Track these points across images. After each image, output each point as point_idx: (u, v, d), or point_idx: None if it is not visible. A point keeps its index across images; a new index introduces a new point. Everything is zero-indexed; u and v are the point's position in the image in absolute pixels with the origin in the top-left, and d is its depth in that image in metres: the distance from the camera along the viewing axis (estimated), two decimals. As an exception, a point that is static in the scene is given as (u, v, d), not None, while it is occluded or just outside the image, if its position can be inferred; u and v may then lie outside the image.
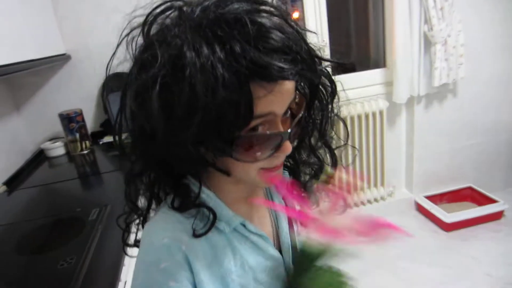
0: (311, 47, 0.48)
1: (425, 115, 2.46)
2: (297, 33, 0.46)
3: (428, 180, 2.61)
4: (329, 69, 0.57)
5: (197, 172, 0.56)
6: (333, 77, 0.57)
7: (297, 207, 0.56)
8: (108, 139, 1.99)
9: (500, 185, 2.66)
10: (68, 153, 1.92)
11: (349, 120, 2.35)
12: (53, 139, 2.00)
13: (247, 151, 0.47)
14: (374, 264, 2.17)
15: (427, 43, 2.22)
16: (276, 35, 0.43)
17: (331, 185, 0.51)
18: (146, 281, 0.50)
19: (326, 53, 2.28)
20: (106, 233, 1.08)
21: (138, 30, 0.48)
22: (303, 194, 0.64)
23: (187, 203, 0.54)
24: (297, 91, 0.52)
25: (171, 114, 0.43)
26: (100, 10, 1.89)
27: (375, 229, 0.36)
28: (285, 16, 0.46)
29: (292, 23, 0.46)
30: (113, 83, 1.73)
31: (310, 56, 0.47)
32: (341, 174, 0.61)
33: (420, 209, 2.59)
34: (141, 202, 0.61)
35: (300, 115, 0.52)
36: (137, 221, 0.61)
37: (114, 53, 0.51)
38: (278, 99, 0.45)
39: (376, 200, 2.60)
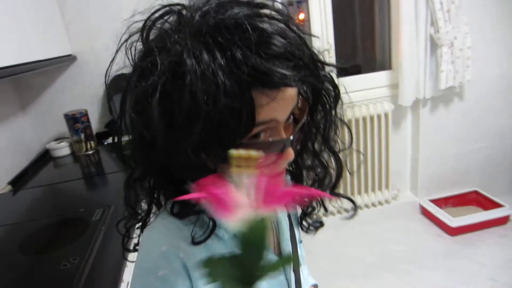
0: (313, 52, 0.47)
1: (431, 118, 2.44)
2: (299, 38, 0.45)
3: (433, 183, 2.59)
4: (333, 72, 0.56)
5: (198, 178, 0.55)
6: (336, 81, 0.56)
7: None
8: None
9: (506, 189, 2.63)
10: (73, 153, 1.93)
11: (354, 123, 2.34)
12: (58, 139, 2.01)
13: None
14: (377, 267, 2.16)
15: (433, 45, 2.20)
16: (278, 40, 0.42)
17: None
18: None
19: (331, 55, 2.27)
20: (109, 234, 1.08)
21: (137, 36, 0.47)
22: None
23: (186, 210, 0.53)
24: (300, 96, 0.51)
25: (172, 121, 0.42)
26: (106, 13, 1.90)
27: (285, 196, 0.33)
28: (287, 21, 0.45)
29: (294, 28, 0.45)
30: (118, 83, 1.73)
31: (313, 61, 0.46)
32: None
33: (425, 212, 2.57)
34: (142, 206, 0.60)
35: (303, 120, 0.51)
36: (137, 225, 0.60)
37: (113, 59, 0.50)
38: (280, 106, 0.44)
39: (380, 203, 2.58)
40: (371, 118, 2.34)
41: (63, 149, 1.92)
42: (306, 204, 0.68)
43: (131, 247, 0.64)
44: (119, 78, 0.57)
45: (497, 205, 2.41)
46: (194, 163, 0.46)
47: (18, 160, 1.79)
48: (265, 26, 0.42)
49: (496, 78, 2.41)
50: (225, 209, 0.34)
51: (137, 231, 0.61)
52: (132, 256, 0.62)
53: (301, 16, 2.37)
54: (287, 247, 0.63)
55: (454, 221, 2.32)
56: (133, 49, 0.48)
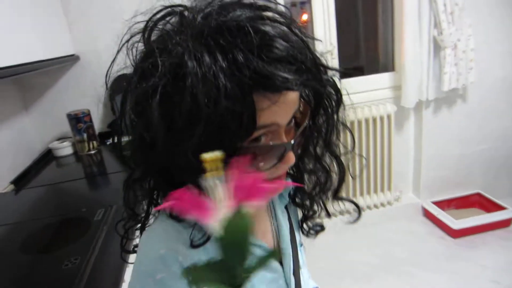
0: (316, 55, 0.47)
1: (434, 119, 2.43)
2: (302, 41, 0.45)
3: (436, 185, 2.59)
4: (336, 76, 0.55)
5: (197, 181, 0.55)
6: (338, 85, 0.55)
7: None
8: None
9: (509, 191, 2.62)
10: (75, 153, 1.93)
11: (357, 124, 2.33)
12: (61, 139, 2.02)
13: (249, 162, 0.45)
14: (379, 269, 2.15)
15: (437, 47, 2.20)
16: (280, 44, 0.41)
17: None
18: None
19: (334, 56, 2.27)
20: (111, 234, 1.08)
21: (138, 36, 0.47)
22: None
23: None
24: (302, 100, 0.51)
25: (172, 123, 0.42)
26: (109, 13, 1.90)
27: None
28: (289, 24, 0.45)
29: (297, 31, 0.45)
30: (120, 84, 1.74)
31: (315, 65, 0.46)
32: None
33: (427, 214, 2.56)
34: (142, 207, 0.59)
35: (304, 124, 0.51)
36: (137, 227, 0.60)
37: (114, 59, 0.50)
38: (282, 109, 0.44)
39: (382, 204, 2.58)
40: (374, 120, 2.33)
41: (65, 149, 1.93)
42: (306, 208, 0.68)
43: (131, 249, 0.63)
44: (121, 78, 0.57)
45: (500, 208, 2.40)
46: (194, 166, 0.45)
47: (21, 159, 1.79)
48: (268, 29, 0.42)
49: (499, 80, 2.40)
50: (201, 213, 0.34)
51: (137, 232, 0.61)
52: (130, 258, 0.61)
53: (304, 17, 2.37)
54: (287, 251, 0.62)
55: (456, 223, 2.31)
56: (134, 49, 0.48)
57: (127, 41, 0.48)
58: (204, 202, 0.33)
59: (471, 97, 2.40)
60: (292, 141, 0.47)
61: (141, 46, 0.47)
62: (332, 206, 0.68)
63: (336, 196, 0.65)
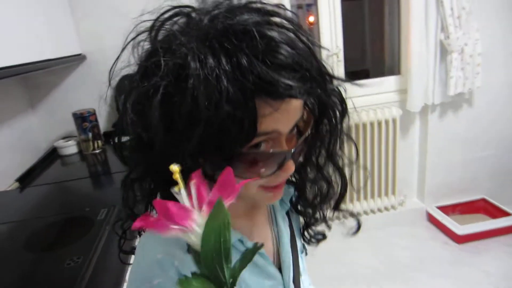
0: (322, 64, 0.46)
1: (439, 124, 2.42)
2: (309, 48, 0.44)
3: (441, 190, 2.57)
4: (342, 87, 0.54)
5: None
6: (344, 95, 0.54)
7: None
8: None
9: (515, 198, 2.60)
10: (80, 152, 1.94)
11: (362, 127, 2.32)
12: (66, 137, 2.03)
13: (247, 168, 0.45)
14: (383, 274, 2.14)
15: (443, 51, 2.18)
16: (286, 50, 0.41)
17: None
18: None
19: (340, 58, 2.27)
20: (113, 234, 1.08)
21: (144, 35, 0.47)
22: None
23: None
24: (305, 108, 0.50)
25: (171, 124, 0.41)
26: (116, 13, 1.91)
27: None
28: (297, 30, 0.44)
29: (304, 38, 0.44)
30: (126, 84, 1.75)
31: (321, 74, 0.45)
32: None
33: (432, 219, 2.54)
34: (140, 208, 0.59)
35: (307, 134, 0.50)
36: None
37: (118, 56, 0.49)
38: (284, 117, 0.43)
39: (386, 208, 2.56)
40: (379, 123, 2.32)
41: (70, 148, 1.94)
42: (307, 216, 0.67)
43: (129, 249, 0.63)
44: (126, 78, 0.57)
45: (505, 214, 2.38)
46: (192, 169, 0.45)
47: (26, 157, 1.81)
48: (274, 34, 0.41)
49: (506, 86, 2.38)
50: (167, 229, 0.34)
51: (135, 233, 0.60)
52: (127, 258, 0.61)
53: (311, 19, 2.36)
54: (286, 258, 0.62)
55: (461, 229, 2.29)
56: (140, 48, 0.47)
57: (133, 39, 0.47)
58: (171, 217, 0.33)
59: (477, 102, 2.39)
60: (293, 150, 0.46)
61: (146, 45, 0.47)
62: (334, 212, 0.67)
63: (337, 208, 0.64)
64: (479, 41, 2.14)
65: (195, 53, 0.40)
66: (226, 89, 0.38)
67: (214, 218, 0.33)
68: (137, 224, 0.33)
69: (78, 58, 1.92)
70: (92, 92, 2.01)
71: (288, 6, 2.00)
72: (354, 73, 2.71)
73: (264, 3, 0.46)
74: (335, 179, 0.61)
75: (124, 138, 0.53)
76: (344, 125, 0.56)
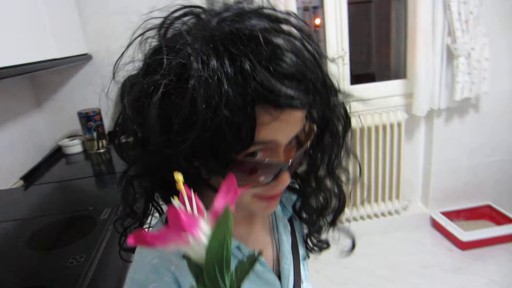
0: (328, 76, 0.45)
1: (445, 129, 2.40)
2: (315, 59, 0.43)
3: (445, 195, 2.55)
4: (346, 98, 0.52)
5: (190, 186, 0.54)
6: (348, 110, 0.53)
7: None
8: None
9: (520, 204, 2.58)
10: (85, 151, 1.95)
11: (367, 131, 2.31)
12: (71, 136, 2.04)
13: (242, 176, 0.43)
14: (385, 279, 2.13)
15: (450, 55, 2.17)
16: (291, 59, 0.40)
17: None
18: None
19: (346, 61, 2.26)
20: (116, 233, 1.08)
21: (152, 32, 0.46)
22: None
23: None
24: (307, 120, 0.49)
25: (168, 124, 0.40)
26: (124, 13, 1.92)
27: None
28: (305, 40, 0.43)
29: (310, 48, 0.43)
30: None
31: (325, 87, 0.44)
32: None
33: (436, 225, 2.53)
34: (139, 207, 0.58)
35: (305, 147, 0.49)
36: (135, 225, 0.59)
37: (124, 51, 0.49)
38: (283, 127, 0.42)
39: (390, 213, 2.55)
40: (384, 127, 2.31)
41: (75, 147, 1.95)
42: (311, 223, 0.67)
43: (129, 247, 0.62)
44: (131, 78, 0.57)
45: (510, 221, 2.35)
46: (188, 170, 0.43)
47: (31, 155, 1.82)
48: (280, 42, 0.40)
49: (513, 91, 2.36)
50: (165, 243, 0.33)
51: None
52: (128, 255, 0.60)
53: (317, 21, 2.36)
54: (286, 265, 0.61)
55: (465, 235, 2.27)
56: (147, 45, 0.47)
57: (141, 34, 0.47)
58: (182, 225, 0.33)
59: (484, 107, 2.37)
60: (290, 162, 0.45)
61: (154, 42, 0.47)
62: (329, 228, 0.66)
63: (333, 224, 0.63)
64: (487, 46, 2.13)
65: (198, 54, 0.39)
66: (226, 93, 0.37)
67: (221, 226, 0.33)
68: (131, 241, 0.32)
69: (84, 58, 1.93)
70: (97, 92, 2.02)
71: (294, 8, 2.00)
72: (360, 77, 2.71)
73: (276, 10, 0.45)
74: (334, 194, 0.60)
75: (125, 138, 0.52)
76: (347, 140, 0.54)
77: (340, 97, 0.50)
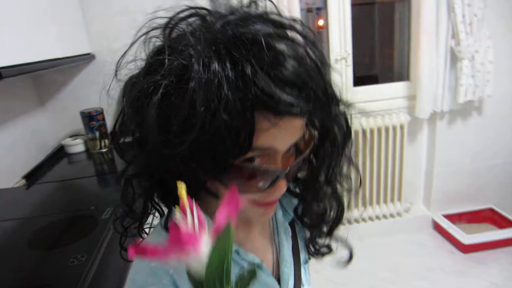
0: (330, 85, 0.45)
1: (448, 131, 2.40)
2: (317, 67, 0.42)
3: (447, 198, 2.54)
4: (348, 109, 0.52)
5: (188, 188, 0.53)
6: (349, 120, 0.52)
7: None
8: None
9: (523, 208, 2.57)
10: (87, 150, 1.96)
11: (369, 133, 2.31)
12: (74, 136, 2.04)
13: (238, 181, 0.43)
14: (386, 282, 2.12)
15: (454, 58, 2.16)
16: (293, 66, 0.39)
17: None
18: None
19: (349, 63, 2.26)
20: (117, 233, 1.09)
21: (156, 31, 0.46)
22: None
23: None
24: (307, 128, 0.49)
25: (166, 125, 0.40)
26: (127, 14, 1.92)
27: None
28: (309, 47, 0.43)
29: (313, 55, 0.42)
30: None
31: (326, 96, 0.43)
32: None
33: (437, 228, 2.52)
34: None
35: (304, 155, 0.48)
36: (136, 225, 0.58)
37: (127, 50, 0.49)
38: (282, 134, 0.42)
39: (392, 215, 2.54)
40: (387, 129, 2.30)
41: (77, 146, 1.95)
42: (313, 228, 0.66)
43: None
44: (133, 78, 0.56)
45: (513, 224, 2.34)
46: (186, 172, 0.43)
47: (34, 154, 1.82)
48: (283, 48, 0.40)
49: (517, 94, 2.35)
50: (166, 256, 0.33)
51: (135, 231, 0.60)
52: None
53: (320, 22, 2.36)
54: (286, 269, 0.60)
55: (467, 238, 2.26)
56: (151, 44, 0.46)
57: (144, 33, 0.46)
58: (183, 239, 0.33)
59: (487, 110, 2.36)
60: (287, 169, 0.45)
61: (158, 41, 0.46)
62: (326, 238, 0.66)
63: (330, 234, 0.63)
64: (491, 49, 2.12)
65: (200, 56, 0.39)
66: (226, 96, 0.37)
67: (222, 241, 0.33)
68: (131, 254, 0.32)
69: (88, 58, 1.93)
70: (100, 91, 2.02)
71: (298, 9, 1.99)
72: (363, 78, 2.70)
73: (281, 16, 0.45)
74: (332, 205, 0.59)
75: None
76: (347, 149, 0.54)
77: (342, 107, 0.49)
